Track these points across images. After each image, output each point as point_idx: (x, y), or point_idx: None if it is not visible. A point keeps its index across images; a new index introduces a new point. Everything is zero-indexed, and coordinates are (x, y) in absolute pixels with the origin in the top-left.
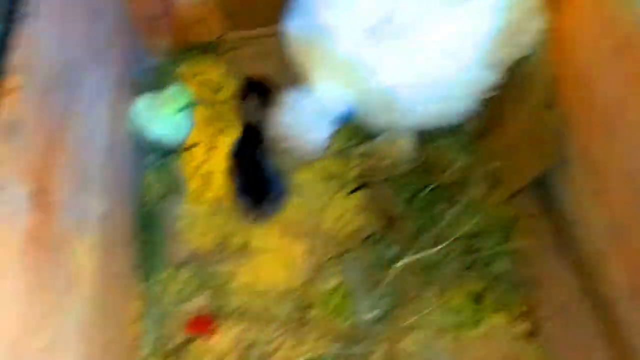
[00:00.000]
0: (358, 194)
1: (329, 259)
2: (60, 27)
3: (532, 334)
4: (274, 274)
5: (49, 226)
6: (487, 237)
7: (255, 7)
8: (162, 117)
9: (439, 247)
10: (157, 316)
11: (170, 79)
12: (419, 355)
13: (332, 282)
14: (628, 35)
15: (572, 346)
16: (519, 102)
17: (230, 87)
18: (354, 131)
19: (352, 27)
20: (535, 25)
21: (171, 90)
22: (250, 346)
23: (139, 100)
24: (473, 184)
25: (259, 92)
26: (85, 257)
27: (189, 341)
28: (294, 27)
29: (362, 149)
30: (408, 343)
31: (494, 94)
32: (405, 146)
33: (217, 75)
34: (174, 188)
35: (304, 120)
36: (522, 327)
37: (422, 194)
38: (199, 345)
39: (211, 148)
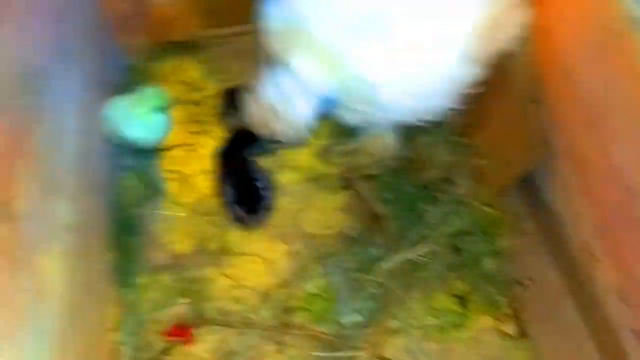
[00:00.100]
0: (341, 194)
1: (312, 261)
2: (24, 31)
3: (519, 336)
4: (255, 278)
5: (14, 236)
6: (472, 237)
7: (232, 5)
8: (138, 118)
9: (424, 248)
10: (135, 324)
11: (147, 79)
12: None
13: (315, 286)
14: (612, 29)
15: (560, 347)
16: (504, 98)
17: (209, 86)
18: (337, 130)
19: (331, 20)
20: (518, 19)
21: (147, 90)
22: (231, 353)
23: (113, 101)
24: (458, 182)
25: (240, 101)
26: (54, 266)
27: (168, 349)
28: (272, 16)
29: (345, 147)
30: (392, 347)
31: (477, 89)
32: (389, 143)
33: (194, 74)
34: (152, 191)
35: (286, 96)
36: (509, 328)
37: (406, 193)
38: (178, 352)
39: (190, 150)
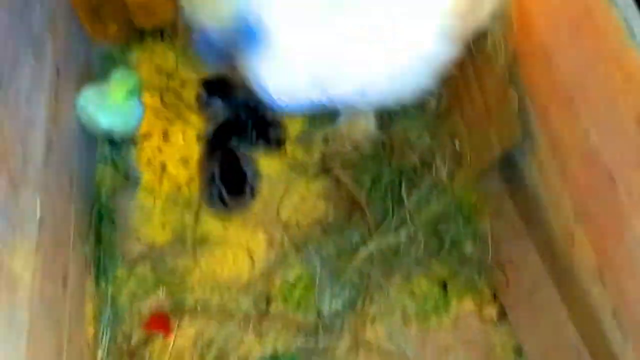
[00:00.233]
0: (320, 180)
1: (291, 249)
2: None
3: (500, 319)
4: (233, 266)
5: None
6: (452, 220)
7: None
8: (110, 105)
9: (404, 232)
10: (113, 316)
11: (120, 67)
12: (384, 346)
13: (294, 273)
14: (587, 9)
15: (541, 329)
16: (481, 79)
17: (183, 74)
18: (315, 117)
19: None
20: None
21: (117, 74)
22: (210, 342)
23: (84, 90)
24: (437, 165)
25: (221, 91)
26: (25, 261)
27: (147, 340)
28: None
29: (324, 133)
30: (373, 333)
31: (454, 70)
32: (367, 128)
33: (169, 62)
34: (127, 182)
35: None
36: (490, 311)
37: (385, 178)
38: (157, 343)
39: (165, 137)
